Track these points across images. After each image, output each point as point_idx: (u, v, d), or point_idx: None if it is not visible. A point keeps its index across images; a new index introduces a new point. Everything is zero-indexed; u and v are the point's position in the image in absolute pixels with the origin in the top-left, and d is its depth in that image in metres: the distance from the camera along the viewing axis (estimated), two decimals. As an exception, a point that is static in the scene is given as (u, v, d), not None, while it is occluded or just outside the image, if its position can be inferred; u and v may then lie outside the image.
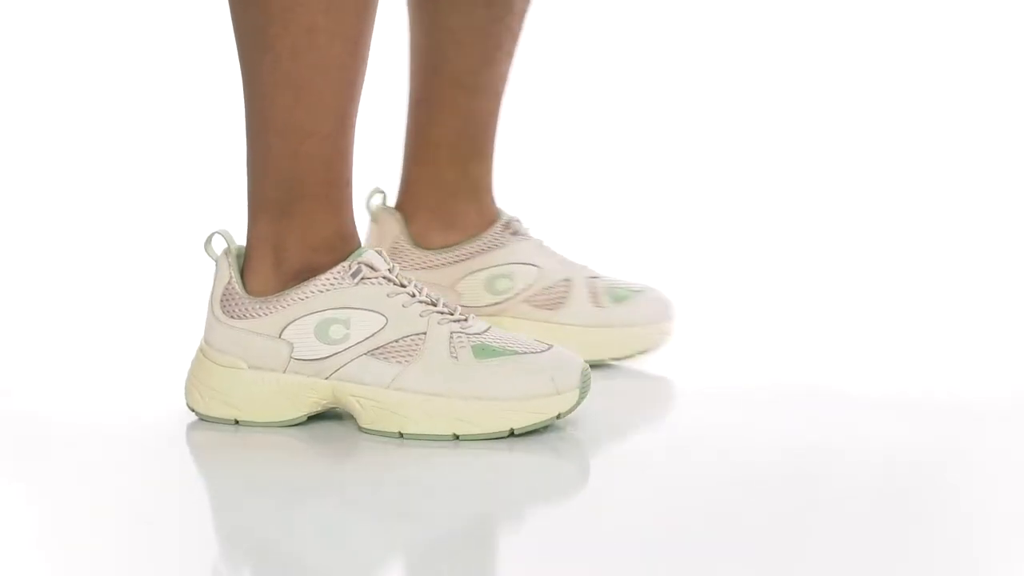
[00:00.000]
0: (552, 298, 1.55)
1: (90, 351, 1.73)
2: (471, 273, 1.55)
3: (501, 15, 1.55)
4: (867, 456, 1.34)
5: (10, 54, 2.75)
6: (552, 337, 1.50)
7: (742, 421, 1.42)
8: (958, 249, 2.27)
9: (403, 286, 1.36)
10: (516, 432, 1.32)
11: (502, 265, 1.55)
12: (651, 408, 1.52)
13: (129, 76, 2.74)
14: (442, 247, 1.56)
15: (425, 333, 1.33)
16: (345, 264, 1.35)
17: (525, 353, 1.34)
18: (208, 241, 1.39)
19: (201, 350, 1.38)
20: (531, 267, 1.55)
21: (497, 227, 1.57)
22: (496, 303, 1.55)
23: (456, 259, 1.56)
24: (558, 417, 1.34)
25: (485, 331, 1.35)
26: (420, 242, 1.57)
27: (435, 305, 1.36)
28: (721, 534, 1.14)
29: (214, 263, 1.38)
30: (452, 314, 1.36)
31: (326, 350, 1.34)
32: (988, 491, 1.24)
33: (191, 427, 1.38)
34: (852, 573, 1.08)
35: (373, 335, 1.33)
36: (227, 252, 1.37)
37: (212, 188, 2.54)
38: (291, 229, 1.36)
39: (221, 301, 1.37)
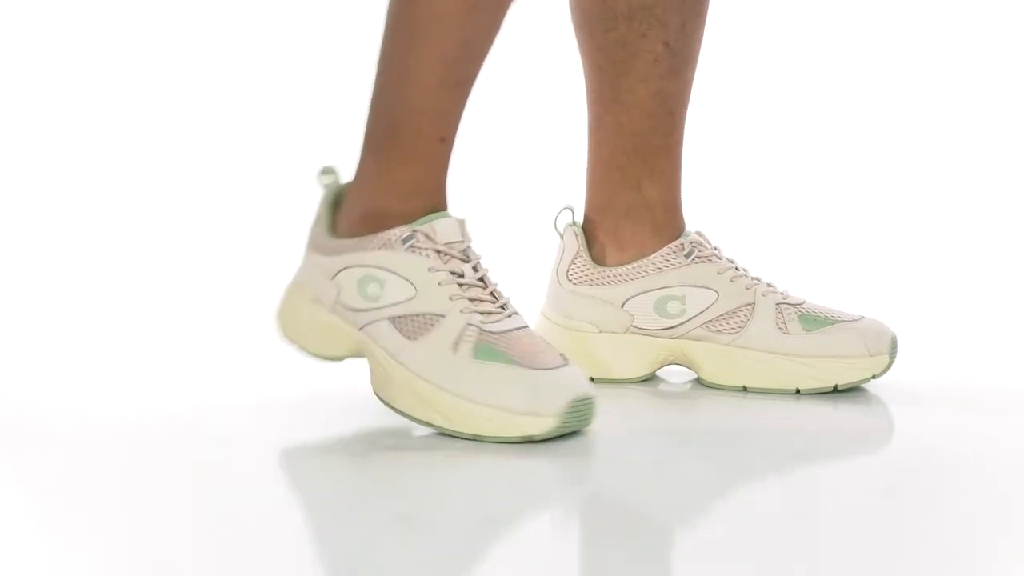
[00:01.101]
0: (733, 324, 1.54)
1: (90, 351, 1.74)
2: (641, 293, 1.55)
3: (645, 30, 1.55)
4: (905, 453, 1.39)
5: (18, 55, 2.66)
6: (731, 363, 1.53)
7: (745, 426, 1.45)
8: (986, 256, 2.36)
9: (459, 261, 1.38)
10: (485, 440, 1.33)
11: (674, 287, 1.54)
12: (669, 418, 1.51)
13: (131, 76, 2.66)
14: (614, 266, 1.56)
15: (444, 316, 1.36)
16: (405, 227, 1.38)
17: (524, 367, 1.33)
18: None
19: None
20: (708, 291, 1.55)
21: (670, 248, 1.56)
22: (671, 327, 1.55)
23: (625, 278, 1.56)
24: (531, 440, 1.32)
25: (506, 332, 1.36)
26: (598, 260, 1.57)
27: (466, 290, 1.37)
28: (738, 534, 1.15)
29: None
30: (491, 303, 1.37)
31: (362, 303, 1.38)
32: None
33: (191, 425, 1.41)
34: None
35: (399, 303, 1.37)
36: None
37: (213, 188, 2.55)
38: (376, 167, 1.41)
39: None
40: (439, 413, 1.34)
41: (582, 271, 1.57)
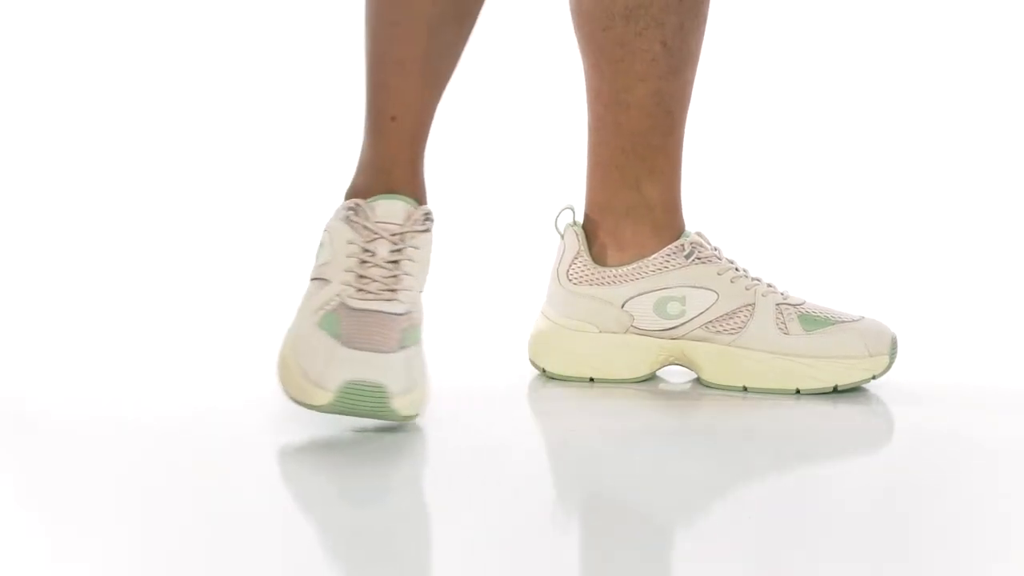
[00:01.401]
0: (733, 325, 1.54)
1: (90, 351, 1.74)
2: (641, 294, 1.55)
3: (642, 29, 1.55)
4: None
5: (18, 55, 2.66)
6: (732, 363, 1.53)
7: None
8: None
9: (384, 241, 1.40)
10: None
11: (674, 288, 1.54)
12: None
13: (131, 77, 2.67)
14: (615, 266, 1.56)
15: (329, 283, 1.39)
16: (353, 200, 1.43)
17: (340, 343, 1.35)
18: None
19: None
20: (708, 292, 1.54)
21: (670, 249, 1.55)
22: (670, 327, 1.54)
23: (625, 278, 1.55)
24: (314, 408, 1.33)
25: (361, 311, 1.37)
26: (598, 260, 1.57)
27: (366, 268, 1.39)
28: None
29: None
30: (379, 284, 1.39)
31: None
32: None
33: (191, 425, 1.41)
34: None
35: (317, 265, 1.41)
36: None
37: (212, 188, 2.54)
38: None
39: None
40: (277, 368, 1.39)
41: (582, 271, 1.57)
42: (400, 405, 1.34)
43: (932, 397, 1.54)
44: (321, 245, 1.43)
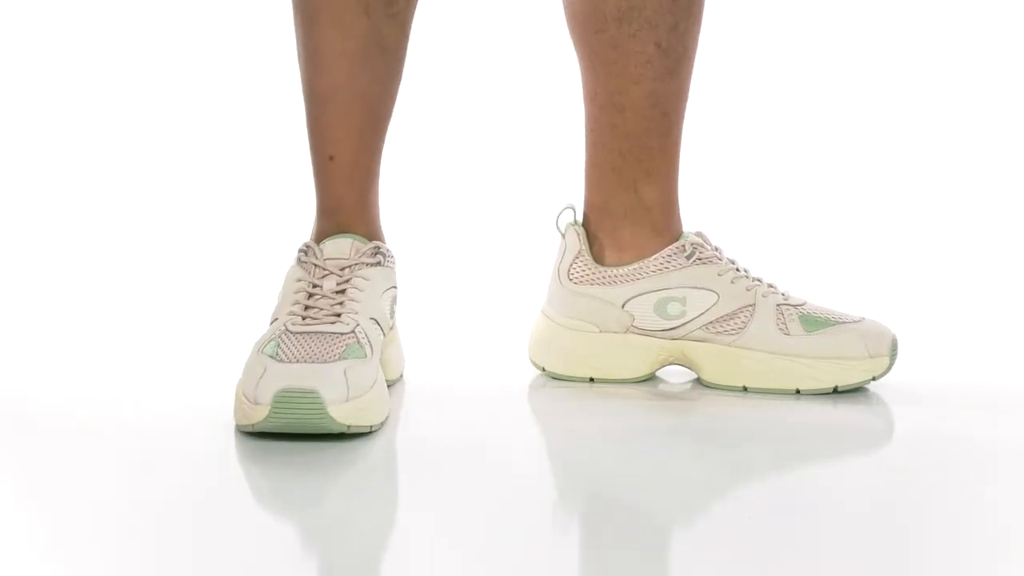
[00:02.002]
0: (734, 325, 1.53)
1: (89, 351, 1.74)
2: (641, 294, 1.54)
3: (635, 31, 1.53)
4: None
5: (18, 55, 2.67)
6: (732, 363, 1.53)
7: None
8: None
9: (332, 276, 1.42)
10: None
11: (674, 289, 1.54)
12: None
13: (131, 77, 2.67)
14: (615, 266, 1.56)
15: (277, 320, 1.41)
16: (305, 243, 1.46)
17: (276, 360, 1.34)
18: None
19: None
20: (709, 292, 1.54)
21: (671, 250, 1.54)
22: (671, 328, 1.54)
23: (626, 279, 1.55)
24: (254, 431, 1.33)
25: (299, 332, 1.37)
26: (599, 260, 1.56)
27: (315, 300, 1.41)
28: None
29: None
30: (323, 311, 1.40)
31: None
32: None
33: (191, 426, 1.41)
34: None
35: (274, 307, 1.43)
36: None
37: (211, 188, 2.55)
38: None
39: None
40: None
41: (583, 271, 1.57)
42: (339, 413, 1.32)
43: (932, 397, 1.54)
44: (279, 295, 1.46)
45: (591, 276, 1.56)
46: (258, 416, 1.31)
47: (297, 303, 1.42)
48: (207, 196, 2.53)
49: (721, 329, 1.54)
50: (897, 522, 1.17)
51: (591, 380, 1.57)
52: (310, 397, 1.31)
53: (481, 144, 2.64)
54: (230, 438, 1.36)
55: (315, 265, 1.44)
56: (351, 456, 1.32)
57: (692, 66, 1.57)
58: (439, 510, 1.19)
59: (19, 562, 1.07)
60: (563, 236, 1.58)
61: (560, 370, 1.57)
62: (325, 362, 1.34)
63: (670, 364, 1.57)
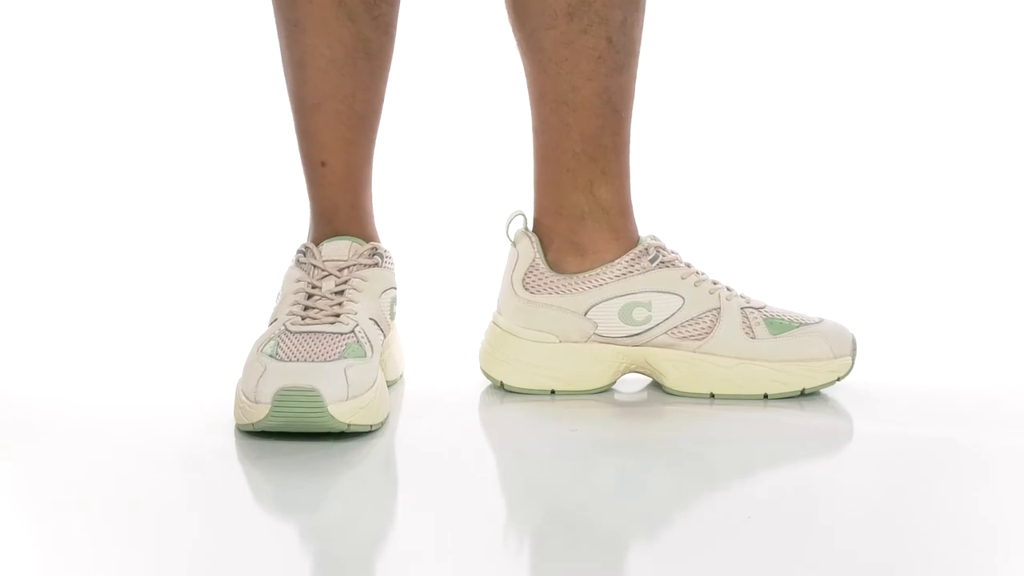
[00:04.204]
0: (698, 329, 1.50)
1: (89, 351, 1.75)
2: (605, 300, 1.50)
3: (586, 26, 1.49)
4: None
5: (18, 55, 2.65)
6: (698, 370, 1.49)
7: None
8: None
9: (330, 277, 1.44)
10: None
11: (638, 293, 1.50)
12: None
13: (131, 77, 2.66)
14: (576, 273, 1.52)
15: (276, 320, 1.42)
16: (304, 244, 1.48)
17: (276, 359, 1.35)
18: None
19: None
20: (674, 296, 1.51)
21: (633, 253, 1.51)
22: (635, 334, 1.50)
23: (588, 286, 1.51)
24: (254, 430, 1.33)
25: (298, 332, 1.38)
26: (556, 266, 1.52)
27: (314, 301, 1.43)
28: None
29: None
30: (323, 312, 1.41)
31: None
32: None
33: (191, 426, 1.41)
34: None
35: (273, 308, 1.44)
36: None
37: (212, 188, 2.55)
38: None
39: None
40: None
41: (540, 280, 1.52)
42: (339, 412, 1.32)
43: (892, 399, 1.52)
44: (277, 296, 1.47)
45: (549, 285, 1.52)
46: (258, 415, 1.32)
47: (296, 303, 1.43)
48: (206, 196, 2.53)
49: (686, 334, 1.51)
50: (870, 524, 1.16)
51: (552, 392, 1.52)
52: (310, 396, 1.31)
53: (475, 142, 2.62)
54: (230, 438, 1.35)
55: (314, 266, 1.46)
56: (350, 457, 1.31)
57: (637, 62, 1.53)
58: (438, 510, 1.18)
59: (19, 562, 1.06)
60: (514, 244, 1.54)
61: (520, 383, 1.53)
62: (325, 361, 1.34)
63: (630, 372, 1.53)
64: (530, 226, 1.55)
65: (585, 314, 1.51)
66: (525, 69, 1.53)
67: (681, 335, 1.51)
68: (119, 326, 1.88)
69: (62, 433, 1.38)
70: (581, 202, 1.53)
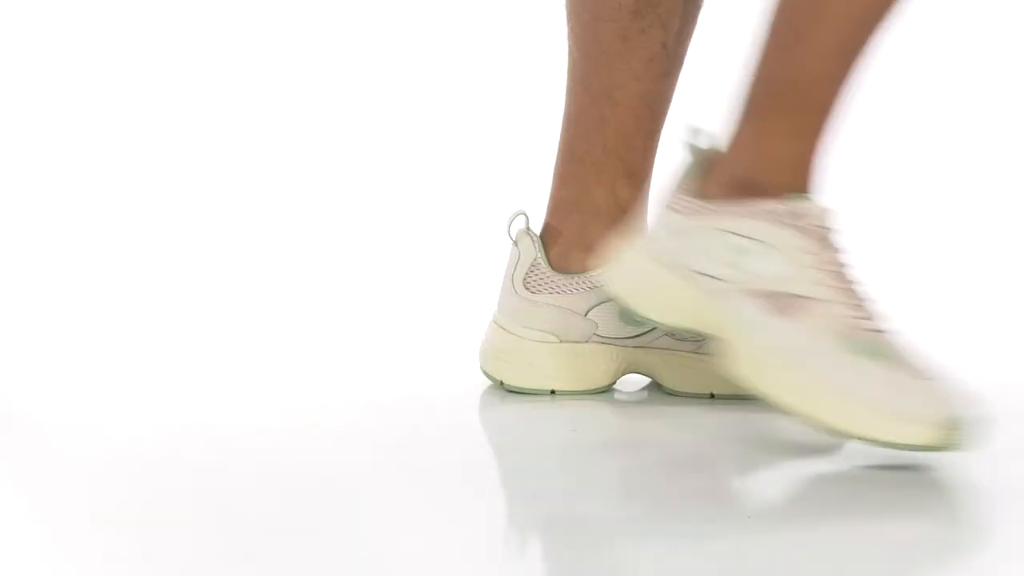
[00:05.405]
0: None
1: (89, 353, 1.75)
2: (606, 301, 1.50)
3: (646, 26, 1.51)
4: None
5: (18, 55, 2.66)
6: (697, 370, 1.50)
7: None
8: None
9: (831, 249, 1.34)
10: (851, 437, 1.28)
11: None
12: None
13: (131, 77, 2.68)
14: (578, 272, 1.52)
15: (818, 301, 1.33)
16: (780, 202, 1.35)
17: (906, 373, 1.28)
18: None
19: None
20: None
21: None
22: (636, 335, 1.51)
23: (589, 286, 1.51)
24: (898, 447, 1.26)
25: (877, 331, 1.31)
26: (558, 265, 1.52)
27: (837, 279, 1.33)
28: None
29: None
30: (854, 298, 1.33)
31: (723, 272, 1.36)
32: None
33: (191, 427, 1.41)
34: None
35: (770, 278, 1.34)
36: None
37: (213, 188, 2.55)
38: (754, 135, 1.38)
39: None
40: (807, 400, 1.29)
41: (542, 279, 1.53)
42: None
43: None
44: (737, 251, 1.35)
45: (550, 284, 1.53)
46: (925, 438, 1.24)
47: (824, 283, 1.33)
48: (206, 197, 2.53)
49: (685, 335, 1.50)
50: (874, 524, 1.17)
51: (552, 392, 1.52)
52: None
53: (476, 142, 2.63)
54: (229, 438, 1.36)
55: (811, 230, 1.35)
56: (348, 456, 1.31)
57: (680, 73, 1.55)
58: (437, 510, 1.18)
59: (19, 562, 1.07)
60: (515, 244, 1.54)
61: (520, 383, 1.53)
62: (937, 377, 1.29)
63: (629, 372, 1.53)
64: (532, 225, 1.55)
65: (586, 314, 1.52)
66: (571, 56, 1.54)
67: (680, 336, 1.51)
68: (119, 326, 1.88)
69: (61, 432, 1.39)
70: (600, 197, 1.54)
